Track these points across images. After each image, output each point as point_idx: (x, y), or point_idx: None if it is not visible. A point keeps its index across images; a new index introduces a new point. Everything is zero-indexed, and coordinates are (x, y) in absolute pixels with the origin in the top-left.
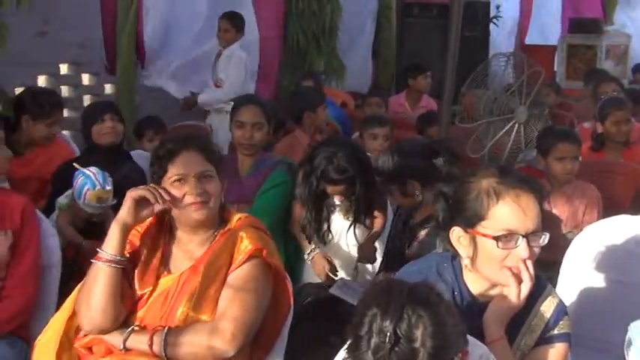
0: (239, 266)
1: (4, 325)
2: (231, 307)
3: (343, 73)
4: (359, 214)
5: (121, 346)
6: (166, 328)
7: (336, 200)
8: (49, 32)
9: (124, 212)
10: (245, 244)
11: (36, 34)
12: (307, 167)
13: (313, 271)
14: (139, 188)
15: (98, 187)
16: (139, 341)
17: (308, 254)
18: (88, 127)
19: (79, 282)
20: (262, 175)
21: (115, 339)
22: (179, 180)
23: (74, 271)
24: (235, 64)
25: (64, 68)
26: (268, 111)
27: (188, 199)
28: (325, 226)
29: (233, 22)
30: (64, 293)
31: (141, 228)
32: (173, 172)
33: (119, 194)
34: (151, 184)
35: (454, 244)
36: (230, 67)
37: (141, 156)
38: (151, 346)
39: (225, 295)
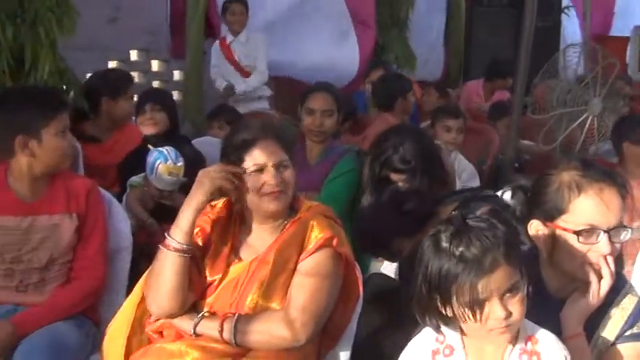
0: (310, 255)
1: (72, 307)
2: (302, 297)
3: (414, 62)
4: None
5: (191, 332)
6: (236, 315)
7: (400, 184)
8: (119, 19)
9: (198, 197)
10: (316, 233)
11: (107, 20)
12: (375, 151)
13: None
14: (215, 176)
15: (170, 161)
16: (209, 327)
17: None
18: (136, 117)
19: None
20: (331, 163)
21: (186, 324)
22: (257, 170)
23: (145, 255)
24: (262, 46)
25: (133, 54)
26: (339, 98)
27: (266, 188)
28: None
29: (245, 5)
30: (135, 277)
31: (212, 214)
32: (251, 161)
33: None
34: (226, 167)
35: (532, 238)
36: (258, 51)
37: (209, 142)
38: (221, 332)
39: (296, 284)
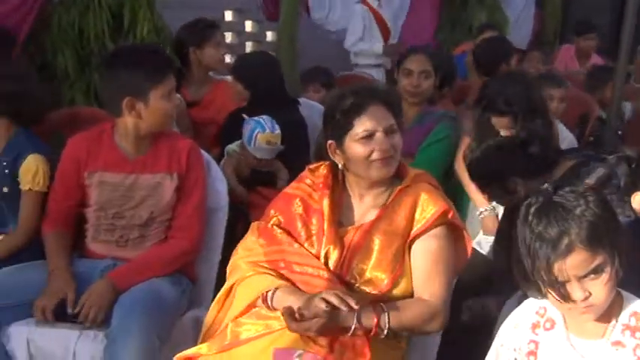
0: (426, 229)
1: (169, 265)
2: (438, 284)
3: (506, 26)
4: None
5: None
6: (386, 308)
7: (502, 132)
8: None
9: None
10: (430, 206)
11: None
12: (480, 95)
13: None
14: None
15: (268, 130)
16: (367, 317)
17: (483, 211)
18: None
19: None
20: (426, 128)
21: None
22: (367, 136)
23: (241, 214)
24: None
25: (228, 15)
26: (436, 61)
27: (375, 154)
28: None
29: None
30: (230, 236)
31: (312, 178)
32: (361, 127)
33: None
34: (335, 293)
35: (637, 210)
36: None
37: (305, 105)
38: (376, 324)
39: (425, 268)
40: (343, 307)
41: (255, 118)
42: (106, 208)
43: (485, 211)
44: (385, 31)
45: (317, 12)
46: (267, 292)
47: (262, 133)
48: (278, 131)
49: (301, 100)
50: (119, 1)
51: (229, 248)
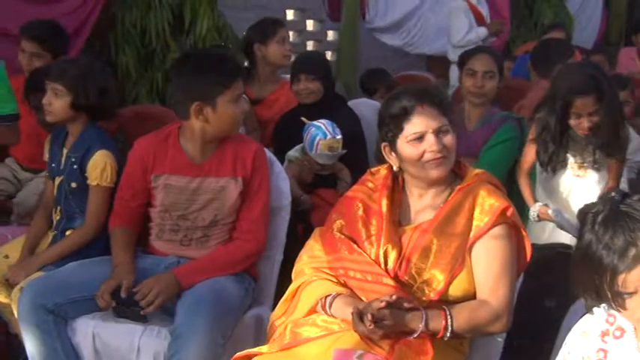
0: (488, 230)
1: (233, 266)
2: (502, 287)
3: (572, 25)
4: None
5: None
6: (448, 312)
7: (584, 118)
8: None
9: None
10: (489, 203)
11: None
12: (550, 92)
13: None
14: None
15: (329, 136)
16: (435, 320)
17: (534, 211)
18: (291, 84)
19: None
20: (490, 130)
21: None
22: (417, 138)
23: (302, 215)
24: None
25: (290, 14)
26: (500, 61)
27: (427, 155)
28: (564, 156)
29: None
30: (291, 235)
31: (373, 182)
32: (410, 130)
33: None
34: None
35: None
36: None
37: (366, 104)
38: (444, 328)
39: (486, 270)
40: (407, 305)
41: (315, 123)
42: (170, 210)
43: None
44: (482, 21)
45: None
46: (325, 297)
47: (324, 140)
48: (339, 136)
49: (362, 100)
50: (180, 0)
51: (290, 248)
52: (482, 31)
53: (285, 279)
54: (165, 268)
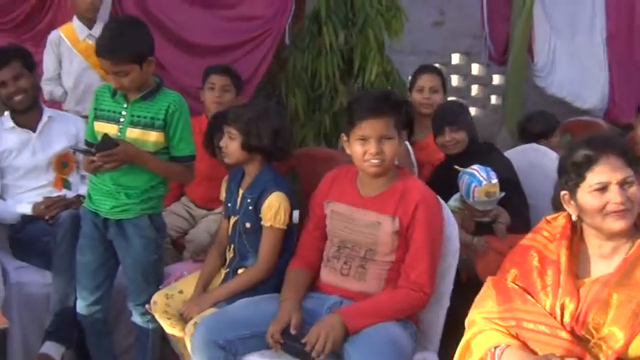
0: None
1: (398, 313)
2: None
3: None
4: None
5: None
6: None
7: None
8: (444, 22)
9: None
10: None
11: (432, 24)
12: None
13: None
14: None
15: (484, 182)
16: None
17: None
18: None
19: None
20: None
21: None
22: (600, 189)
23: (465, 261)
24: None
25: (455, 58)
26: None
27: (610, 207)
28: None
29: None
30: (455, 281)
31: (549, 229)
32: (593, 179)
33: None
34: None
35: None
36: None
37: (534, 150)
38: None
39: None
40: None
41: (468, 170)
42: (333, 236)
43: None
44: None
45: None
46: (495, 348)
47: (479, 187)
48: (495, 180)
49: (534, 145)
50: (350, 45)
51: (454, 293)
52: None
53: (447, 324)
54: (328, 309)
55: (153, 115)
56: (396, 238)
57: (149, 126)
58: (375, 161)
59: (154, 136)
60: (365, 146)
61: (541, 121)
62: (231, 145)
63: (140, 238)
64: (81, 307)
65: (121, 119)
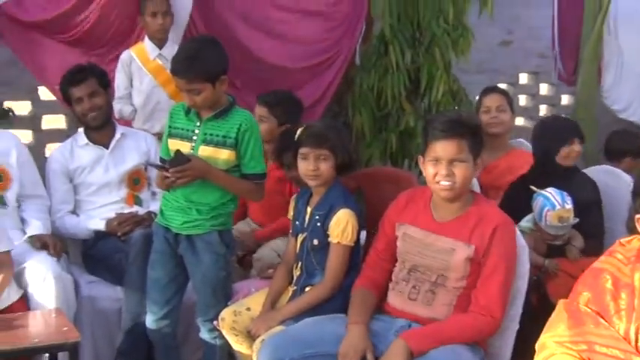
0: None
1: (466, 338)
2: None
3: None
4: None
5: None
6: None
7: None
8: (512, 41)
9: None
10: None
11: (499, 43)
12: None
13: None
14: None
15: (558, 207)
16: None
17: None
18: (553, 149)
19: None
20: None
21: None
22: None
23: (536, 284)
24: None
25: (523, 77)
26: None
27: None
28: None
29: None
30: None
31: (625, 257)
32: None
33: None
34: None
35: None
36: None
37: (606, 172)
38: None
39: None
40: None
41: (543, 192)
42: (404, 259)
43: None
44: None
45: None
46: None
47: (552, 211)
48: (569, 205)
49: (602, 167)
50: (417, 64)
51: (525, 316)
52: None
53: (517, 347)
54: (396, 332)
55: (224, 134)
56: (469, 265)
57: (221, 144)
58: (446, 183)
59: (225, 154)
60: (436, 167)
61: (627, 139)
62: (323, 165)
63: (210, 254)
64: (150, 321)
65: (194, 137)
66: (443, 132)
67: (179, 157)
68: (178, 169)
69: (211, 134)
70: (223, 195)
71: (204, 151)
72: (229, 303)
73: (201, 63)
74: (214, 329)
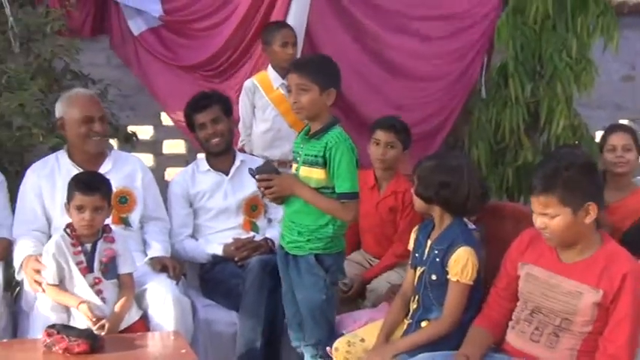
0: None
1: None
2: None
3: None
4: None
5: None
6: None
7: None
8: (635, 77)
9: None
10: None
11: (621, 78)
12: None
13: None
14: None
15: None
16: None
17: None
18: None
19: None
20: None
21: None
22: None
23: None
24: None
25: None
26: None
27: None
28: None
29: None
30: None
31: None
32: None
33: None
34: None
35: None
36: None
37: None
38: None
39: None
40: None
41: None
42: (527, 300)
43: None
44: None
45: None
46: None
47: None
48: None
49: None
50: (537, 98)
51: None
52: None
53: None
54: None
55: (316, 153)
56: (597, 310)
57: (314, 163)
58: (546, 235)
59: (316, 173)
60: (535, 218)
61: None
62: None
63: (310, 275)
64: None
65: (298, 158)
66: (534, 187)
67: (266, 166)
68: (263, 177)
69: (307, 154)
70: (319, 217)
71: (304, 171)
72: (344, 332)
73: (317, 65)
74: (317, 355)
